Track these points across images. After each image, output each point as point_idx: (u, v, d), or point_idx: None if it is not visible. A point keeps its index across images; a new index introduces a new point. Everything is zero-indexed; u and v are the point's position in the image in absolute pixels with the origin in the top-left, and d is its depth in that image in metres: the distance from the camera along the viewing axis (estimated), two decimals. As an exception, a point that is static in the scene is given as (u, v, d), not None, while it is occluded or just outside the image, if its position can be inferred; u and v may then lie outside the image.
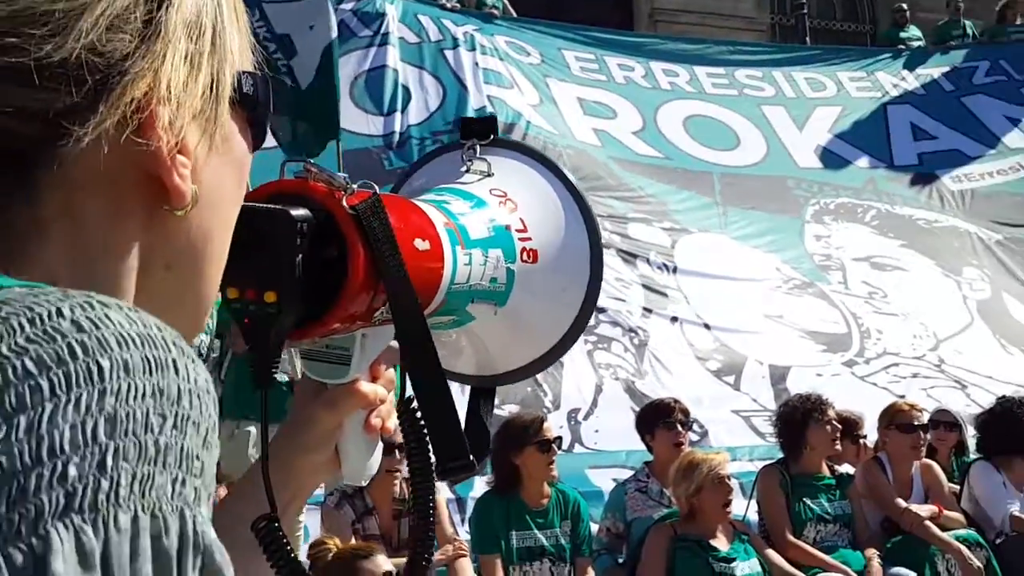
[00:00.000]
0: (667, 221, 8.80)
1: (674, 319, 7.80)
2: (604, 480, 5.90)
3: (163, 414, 0.45)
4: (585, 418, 6.82)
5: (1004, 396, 5.67)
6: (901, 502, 5.00)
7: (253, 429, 5.22)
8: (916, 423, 5.17)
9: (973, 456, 5.75)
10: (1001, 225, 9.93)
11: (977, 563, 4.64)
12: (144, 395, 0.45)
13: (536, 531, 4.51)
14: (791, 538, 4.75)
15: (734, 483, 4.59)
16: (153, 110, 0.56)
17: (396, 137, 9.17)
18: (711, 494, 4.38)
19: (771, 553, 4.57)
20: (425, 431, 0.88)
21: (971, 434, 6.02)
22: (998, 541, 4.96)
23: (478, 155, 1.08)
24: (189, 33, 0.58)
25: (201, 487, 0.47)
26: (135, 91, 0.55)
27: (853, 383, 7.28)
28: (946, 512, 5.02)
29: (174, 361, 0.47)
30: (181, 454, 0.46)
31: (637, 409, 6.89)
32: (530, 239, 1.03)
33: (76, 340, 0.44)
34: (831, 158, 10.51)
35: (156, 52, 0.56)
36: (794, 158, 10.42)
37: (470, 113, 9.29)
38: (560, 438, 5.03)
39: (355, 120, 8.77)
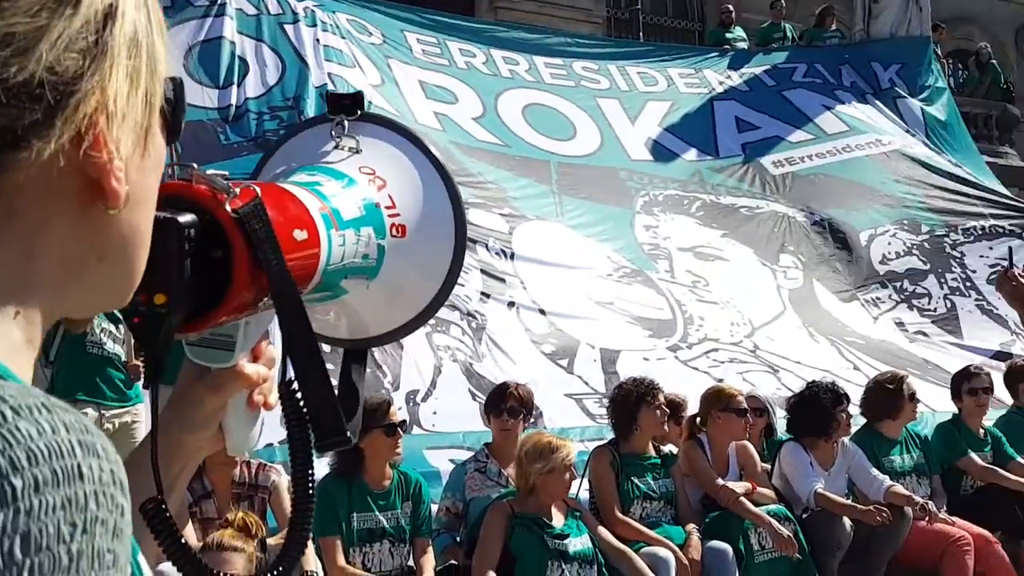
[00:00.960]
0: (506, 208, 8.98)
1: (511, 304, 7.99)
2: (441, 461, 6.02)
3: (73, 522, 0.48)
4: (423, 400, 6.91)
5: (813, 381, 6.10)
6: (719, 480, 5.35)
7: (90, 410, 5.11)
8: (735, 407, 5.52)
9: (782, 436, 6.20)
10: (818, 208, 10.58)
11: (786, 532, 5.01)
12: (55, 508, 0.48)
13: (377, 513, 4.59)
14: (619, 515, 5.02)
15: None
16: (101, 125, 0.60)
17: (232, 111, 8.96)
18: (558, 478, 4.59)
19: (601, 529, 4.82)
20: (304, 411, 0.93)
21: (781, 416, 6.47)
22: (804, 516, 5.37)
23: (346, 132, 1.13)
24: (129, 50, 0.62)
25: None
26: (87, 107, 0.59)
27: (676, 367, 7.65)
28: (759, 489, 5.40)
29: (78, 467, 0.50)
30: (93, 554, 0.49)
31: (475, 392, 7.06)
32: (398, 215, 1.09)
33: None
34: (661, 151, 10.95)
35: (104, 70, 0.60)
36: (627, 150, 10.80)
37: (310, 90, 9.21)
38: (405, 421, 5.13)
39: (190, 92, 8.50)
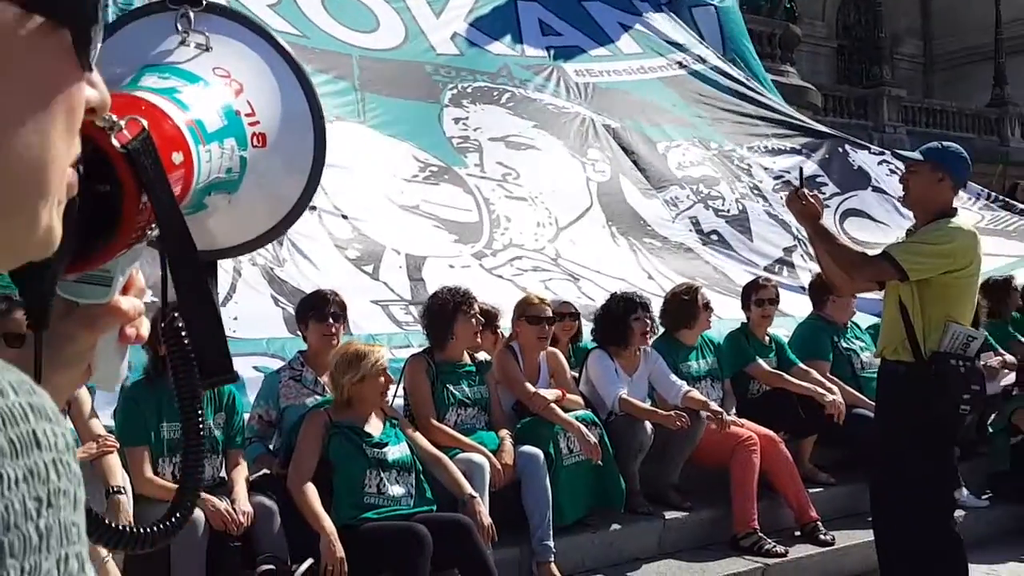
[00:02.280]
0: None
1: (312, 208, 7.76)
2: (245, 368, 5.82)
3: (38, 497, 0.45)
4: (223, 304, 6.64)
5: (614, 293, 6.30)
6: (530, 386, 5.46)
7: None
8: (543, 315, 5.63)
9: (587, 343, 6.40)
10: (618, 117, 10.86)
11: (593, 439, 5.21)
12: (17, 481, 0.44)
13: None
14: (434, 422, 5.04)
15: None
16: None
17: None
18: (372, 384, 4.54)
19: (417, 436, 4.82)
20: (188, 345, 0.89)
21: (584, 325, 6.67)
22: (609, 420, 5.59)
23: (192, 25, 1.03)
24: None
25: (82, 551, 0.48)
26: None
27: (481, 275, 7.70)
28: (567, 396, 5.56)
29: (33, 432, 0.46)
30: (61, 530, 0.46)
31: (278, 297, 6.85)
32: (258, 123, 1.02)
33: None
34: (468, 45, 10.88)
35: None
36: (432, 44, 10.63)
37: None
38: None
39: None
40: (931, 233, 4.24)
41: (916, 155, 4.46)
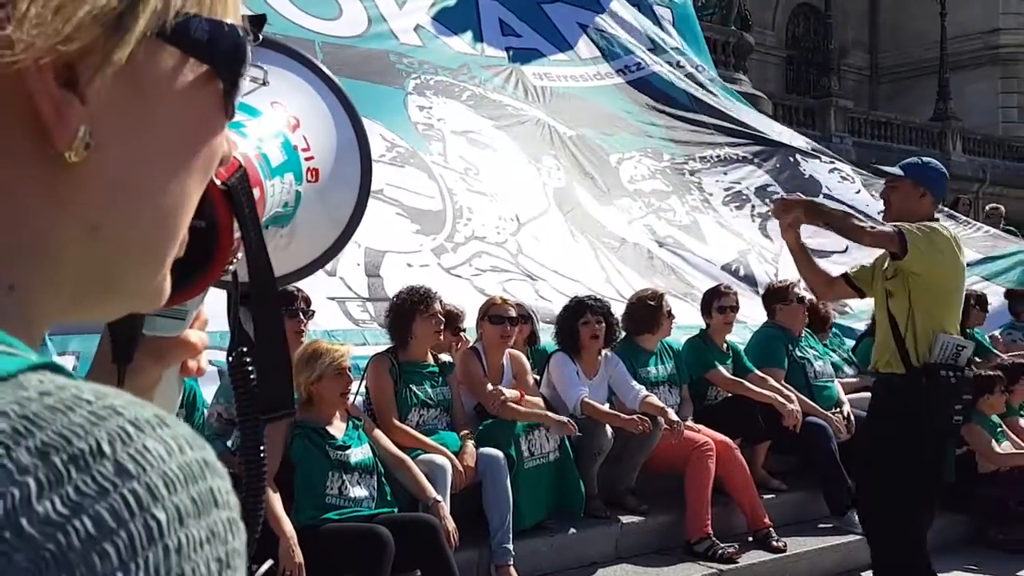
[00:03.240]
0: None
1: None
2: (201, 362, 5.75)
3: (219, 558, 0.44)
4: (179, 295, 6.54)
5: (576, 296, 6.32)
6: (488, 386, 5.45)
7: None
8: (506, 315, 5.62)
9: (545, 346, 6.41)
10: (573, 124, 10.90)
11: (563, 418, 5.26)
12: (201, 543, 0.44)
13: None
14: (396, 422, 5.01)
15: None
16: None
17: None
18: (330, 384, 4.49)
19: (379, 436, 4.79)
20: (254, 380, 0.89)
21: (541, 325, 6.68)
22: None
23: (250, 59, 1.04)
24: None
25: None
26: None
27: (440, 275, 7.65)
28: (527, 397, 5.56)
29: (211, 490, 0.45)
30: None
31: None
32: (312, 157, 1.02)
33: (128, 491, 0.42)
34: (430, 38, 10.84)
35: None
36: (395, 34, 10.58)
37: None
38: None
39: None
40: (924, 229, 4.28)
41: (897, 170, 4.53)
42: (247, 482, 0.90)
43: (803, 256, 4.51)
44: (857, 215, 4.51)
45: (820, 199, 11.81)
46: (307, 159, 1.00)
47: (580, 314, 5.88)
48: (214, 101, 0.59)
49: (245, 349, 0.89)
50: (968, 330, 7.99)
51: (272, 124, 0.97)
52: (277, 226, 0.98)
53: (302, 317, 4.99)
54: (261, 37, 1.00)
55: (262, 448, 0.90)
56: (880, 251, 4.48)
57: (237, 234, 0.80)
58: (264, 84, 1.00)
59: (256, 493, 0.90)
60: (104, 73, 0.52)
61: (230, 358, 0.89)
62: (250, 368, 0.88)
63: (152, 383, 0.91)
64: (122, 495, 0.42)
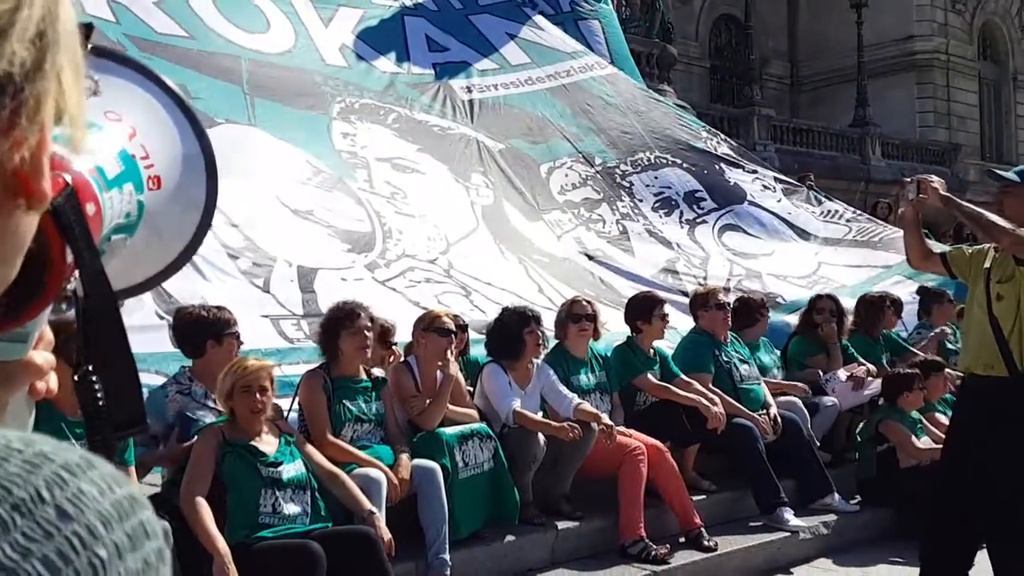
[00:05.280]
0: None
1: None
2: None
3: None
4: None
5: (507, 307, 6.40)
6: (423, 400, 5.49)
7: None
8: (444, 327, 5.66)
9: (476, 356, 6.48)
10: (502, 137, 10.97)
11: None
12: (138, 573, 0.48)
13: (74, 441, 4.27)
14: (331, 437, 5.03)
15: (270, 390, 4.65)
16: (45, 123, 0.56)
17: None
18: (240, 400, 4.49)
19: (313, 452, 4.81)
20: (101, 400, 0.88)
21: (473, 336, 6.75)
22: (503, 432, 5.67)
23: None
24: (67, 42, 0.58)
25: None
26: (46, 106, 0.56)
27: (374, 287, 7.69)
28: (460, 408, 5.61)
29: (142, 523, 0.50)
30: None
31: (163, 314, 6.69)
32: (153, 165, 1.02)
33: (71, 533, 0.46)
34: (355, 59, 10.78)
35: (57, 65, 0.57)
36: (321, 53, 10.52)
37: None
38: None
39: None
40: None
41: (1013, 176, 4.65)
42: None
43: (914, 228, 4.68)
44: (991, 213, 4.62)
45: (746, 206, 12.15)
46: (147, 167, 1.00)
47: (526, 323, 5.96)
48: None
49: (91, 367, 0.88)
50: (885, 331, 8.28)
51: (105, 134, 0.97)
52: (122, 235, 0.98)
53: (236, 340, 5.00)
54: (90, 46, 1.03)
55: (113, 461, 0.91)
56: (976, 248, 4.68)
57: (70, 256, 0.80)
58: (96, 94, 1.02)
59: None
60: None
61: (75, 378, 0.88)
62: (96, 387, 0.87)
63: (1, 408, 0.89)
64: (66, 537, 0.46)
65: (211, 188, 1.08)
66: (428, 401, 5.46)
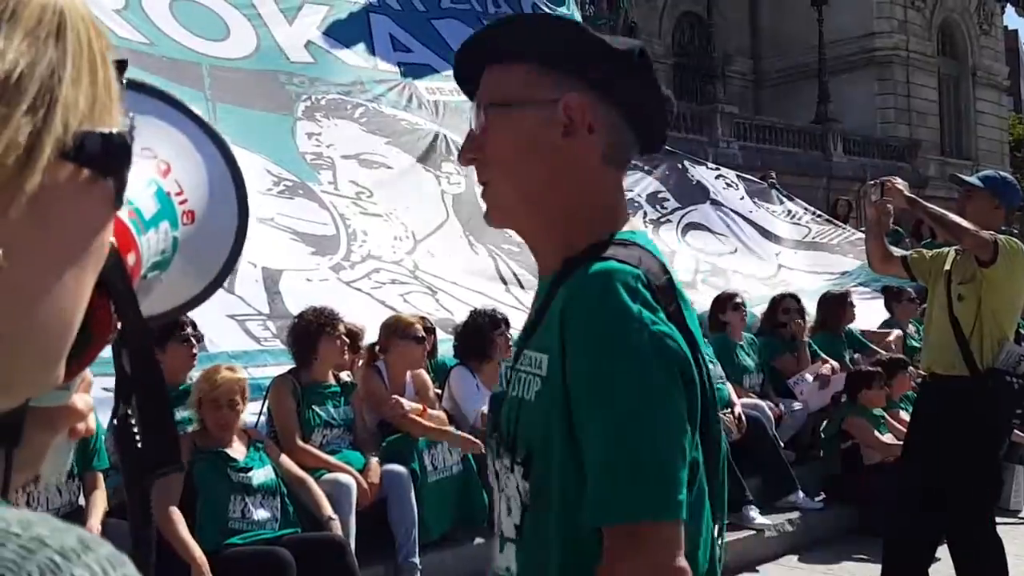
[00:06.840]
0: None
1: None
2: (95, 389, 5.62)
3: None
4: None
5: (476, 309, 6.41)
6: (394, 396, 5.46)
7: None
8: (417, 335, 5.65)
9: (444, 358, 6.49)
10: None
11: (463, 433, 5.37)
12: None
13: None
14: (300, 443, 5.02)
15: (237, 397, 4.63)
16: None
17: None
18: (208, 412, 4.50)
19: (283, 458, 4.80)
20: (139, 442, 0.89)
21: (441, 337, 6.75)
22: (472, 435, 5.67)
23: None
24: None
25: None
26: None
27: (340, 288, 7.66)
28: (429, 411, 5.61)
29: None
30: None
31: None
32: (187, 200, 1.00)
33: None
34: (321, 54, 10.71)
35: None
36: (285, 52, 10.45)
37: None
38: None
39: None
40: (1013, 243, 4.51)
41: (976, 181, 4.72)
42: (134, 543, 0.90)
43: (876, 229, 4.75)
44: (954, 215, 4.68)
45: (708, 206, 12.24)
46: (181, 203, 0.99)
47: (496, 325, 5.97)
48: (105, 197, 0.61)
49: (129, 412, 0.88)
50: (847, 328, 8.37)
51: (143, 174, 0.96)
52: (156, 271, 0.97)
53: (193, 343, 4.96)
54: (125, 80, 1.03)
55: (152, 515, 0.91)
56: (936, 251, 4.79)
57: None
58: (132, 133, 1.02)
59: (146, 555, 0.91)
60: (19, 203, 0.55)
61: (115, 422, 0.89)
62: (135, 431, 0.88)
63: (41, 452, 0.86)
64: None
65: (242, 216, 1.05)
66: (422, 408, 5.43)
